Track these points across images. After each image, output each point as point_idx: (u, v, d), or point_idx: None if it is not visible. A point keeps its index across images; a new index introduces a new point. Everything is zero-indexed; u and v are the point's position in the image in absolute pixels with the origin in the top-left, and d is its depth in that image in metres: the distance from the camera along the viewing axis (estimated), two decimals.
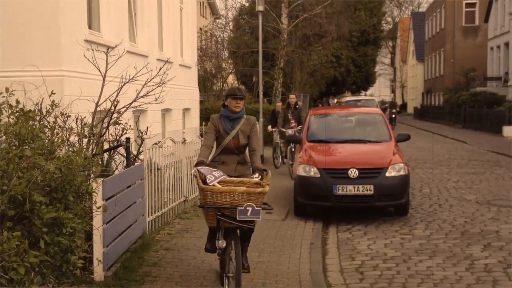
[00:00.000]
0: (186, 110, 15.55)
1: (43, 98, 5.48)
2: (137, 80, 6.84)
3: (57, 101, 5.10)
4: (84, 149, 5.13)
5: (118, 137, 6.63)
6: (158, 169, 7.27)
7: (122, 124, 6.51)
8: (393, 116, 32.38)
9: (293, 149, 12.11)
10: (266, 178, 4.70)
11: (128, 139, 6.50)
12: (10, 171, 3.53)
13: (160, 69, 7.26)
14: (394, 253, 6.53)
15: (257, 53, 18.01)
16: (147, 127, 7.59)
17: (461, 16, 43.42)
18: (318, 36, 25.08)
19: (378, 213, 8.65)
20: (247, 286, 5.10)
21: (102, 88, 6.42)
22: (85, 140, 5.92)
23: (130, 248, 5.92)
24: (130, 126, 6.77)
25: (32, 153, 3.67)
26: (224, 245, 4.69)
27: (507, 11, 32.87)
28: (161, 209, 7.28)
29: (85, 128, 5.94)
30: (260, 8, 16.08)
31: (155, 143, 7.65)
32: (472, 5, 43.19)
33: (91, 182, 4.49)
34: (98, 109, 6.42)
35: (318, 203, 8.29)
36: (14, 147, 3.85)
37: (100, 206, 4.67)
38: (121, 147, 6.56)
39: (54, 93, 5.11)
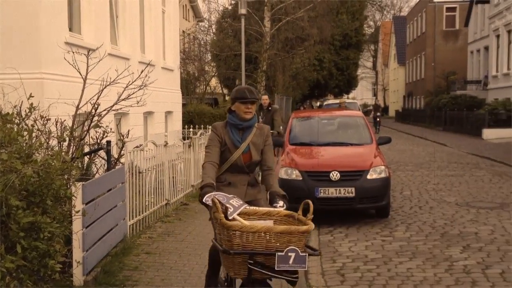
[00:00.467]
0: (168, 113, 15.50)
1: (22, 101, 5.40)
2: (119, 82, 6.80)
3: (37, 104, 5.05)
4: (63, 153, 5.07)
5: (99, 140, 6.57)
6: (139, 172, 7.23)
7: (103, 127, 6.45)
8: (377, 119, 30.05)
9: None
10: (308, 211, 3.49)
11: (109, 142, 6.44)
12: None
13: (142, 71, 7.22)
14: (375, 255, 6.58)
15: (240, 56, 18.05)
16: (129, 130, 7.53)
17: (441, 20, 43.99)
18: (301, 40, 25.24)
19: (359, 215, 8.70)
20: None
21: (82, 90, 6.36)
22: (65, 143, 5.85)
23: (111, 252, 5.86)
24: (111, 129, 6.71)
25: (9, 156, 3.63)
26: None
27: (486, 16, 33.38)
28: (142, 213, 7.24)
29: (65, 131, 5.88)
30: (242, 11, 16.13)
31: (137, 146, 7.61)
32: (453, 9, 43.80)
33: (70, 186, 4.45)
34: (79, 112, 6.36)
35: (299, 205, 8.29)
36: None
37: (79, 210, 4.63)
38: (102, 150, 6.51)
39: (33, 96, 5.06)
